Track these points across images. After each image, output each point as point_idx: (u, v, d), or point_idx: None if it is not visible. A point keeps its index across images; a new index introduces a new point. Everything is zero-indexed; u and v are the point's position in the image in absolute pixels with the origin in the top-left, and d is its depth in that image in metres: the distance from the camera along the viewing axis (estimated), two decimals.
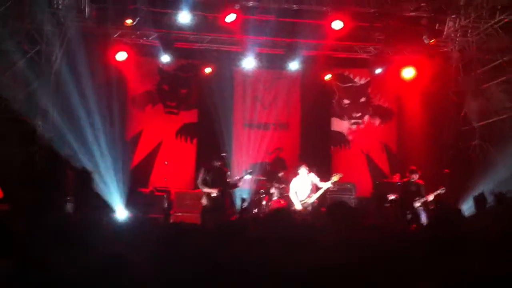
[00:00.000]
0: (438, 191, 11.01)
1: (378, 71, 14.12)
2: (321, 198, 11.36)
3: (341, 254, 3.02)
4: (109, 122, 12.84)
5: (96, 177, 11.93)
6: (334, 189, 11.43)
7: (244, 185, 12.31)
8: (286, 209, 9.89)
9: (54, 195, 10.13)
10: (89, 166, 11.82)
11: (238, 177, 11.65)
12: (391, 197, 12.14)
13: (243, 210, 10.24)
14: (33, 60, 11.94)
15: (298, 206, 11.17)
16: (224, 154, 11.50)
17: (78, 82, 12.54)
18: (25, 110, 11.94)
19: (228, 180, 11.20)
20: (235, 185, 11.50)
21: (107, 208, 11.54)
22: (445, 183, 11.46)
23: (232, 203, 11.70)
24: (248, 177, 11.90)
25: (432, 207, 11.08)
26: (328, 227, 4.80)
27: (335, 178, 11.15)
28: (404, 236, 5.03)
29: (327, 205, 6.34)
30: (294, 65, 13.89)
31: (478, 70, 13.01)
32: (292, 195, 11.34)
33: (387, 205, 12.23)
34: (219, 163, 11.01)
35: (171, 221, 11.57)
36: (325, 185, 11.12)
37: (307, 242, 4.08)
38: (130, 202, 12.21)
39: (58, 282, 2.39)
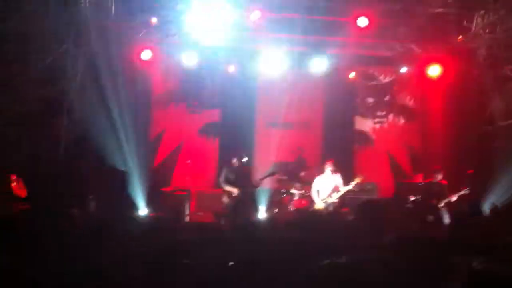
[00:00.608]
0: (462, 192, 10.88)
1: (403, 69, 13.93)
2: (342, 198, 11.33)
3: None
4: (133, 121, 12.99)
5: (127, 176, 12.19)
6: (356, 189, 11.34)
7: (266, 185, 12.34)
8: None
9: (76, 194, 10.36)
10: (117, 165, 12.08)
11: (261, 177, 11.70)
12: (413, 197, 12.01)
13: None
14: (59, 59, 12.12)
15: (319, 205, 11.17)
16: (245, 159, 11.48)
17: (103, 81, 12.73)
18: (51, 109, 12.19)
19: (250, 180, 11.26)
20: (257, 185, 11.54)
21: (132, 207, 11.77)
22: (468, 184, 11.27)
23: (254, 202, 11.72)
24: (270, 176, 11.93)
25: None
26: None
27: (356, 180, 11.12)
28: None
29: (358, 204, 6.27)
30: (318, 63, 13.76)
31: (505, 68, 12.70)
32: (313, 192, 11.36)
33: (409, 205, 12.10)
34: (242, 163, 11.07)
35: (191, 220, 11.70)
36: (347, 188, 11.13)
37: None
38: (152, 201, 12.37)
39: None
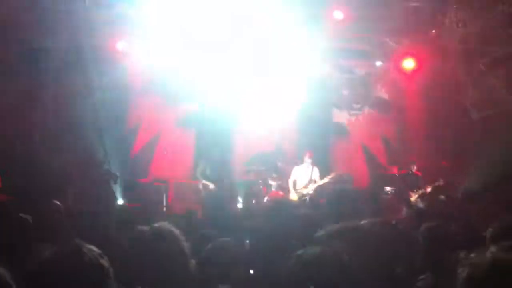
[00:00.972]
0: (436, 184, 11.07)
1: (379, 62, 14.10)
2: (319, 189, 11.45)
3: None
4: (110, 112, 12.89)
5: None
6: (331, 180, 11.46)
7: (244, 176, 12.41)
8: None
9: (54, 186, 10.26)
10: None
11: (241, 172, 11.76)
12: (388, 188, 12.20)
13: None
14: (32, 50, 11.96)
15: (293, 196, 11.26)
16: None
17: (78, 72, 12.59)
18: (27, 101, 12.04)
19: (227, 172, 11.30)
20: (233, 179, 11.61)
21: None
22: (443, 175, 11.50)
23: (230, 195, 11.77)
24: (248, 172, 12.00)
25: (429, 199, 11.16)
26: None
27: (332, 175, 11.27)
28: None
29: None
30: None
31: (479, 61, 12.94)
32: (290, 182, 11.44)
33: (384, 196, 12.29)
34: (221, 155, 11.13)
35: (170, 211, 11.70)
36: (322, 181, 11.26)
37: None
38: (129, 192, 12.35)
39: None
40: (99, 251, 2.42)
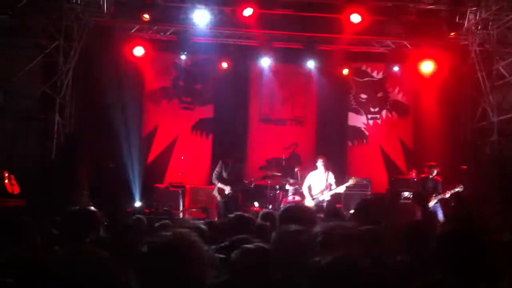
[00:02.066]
0: (456, 189, 10.88)
1: (396, 65, 13.99)
2: (336, 194, 11.34)
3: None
4: (126, 117, 12.96)
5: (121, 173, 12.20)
6: (350, 186, 11.34)
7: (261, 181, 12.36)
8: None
9: (69, 191, 10.31)
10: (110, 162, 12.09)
11: (254, 180, 11.69)
12: (406, 193, 12.04)
13: None
14: (51, 55, 12.07)
15: (309, 202, 11.16)
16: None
17: (96, 77, 12.71)
18: (42, 106, 12.15)
19: (243, 178, 11.25)
20: (249, 185, 11.55)
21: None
22: (461, 179, 11.30)
23: (246, 200, 11.71)
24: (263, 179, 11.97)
25: (452, 204, 10.99)
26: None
27: (350, 181, 11.14)
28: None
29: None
30: (311, 60, 13.78)
31: (498, 64, 12.77)
32: (304, 188, 11.35)
33: (402, 201, 12.15)
34: (237, 160, 11.09)
35: (185, 216, 11.68)
36: (339, 189, 11.14)
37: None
38: (146, 197, 12.38)
39: None
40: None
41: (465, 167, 12.30)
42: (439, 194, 11.00)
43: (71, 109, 12.67)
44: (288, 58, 14.03)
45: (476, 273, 2.84)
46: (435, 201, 10.98)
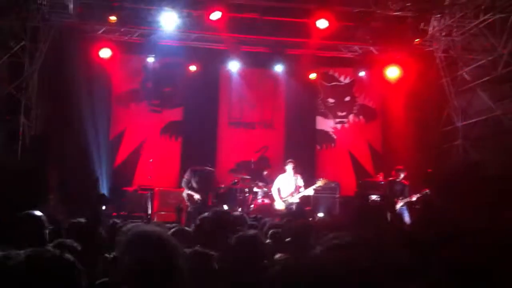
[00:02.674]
0: (423, 193, 11.06)
1: (363, 70, 14.21)
2: (305, 197, 11.41)
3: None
4: (93, 120, 12.79)
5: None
6: (319, 188, 11.43)
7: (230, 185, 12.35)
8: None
9: (36, 193, 10.08)
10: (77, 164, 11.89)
11: (224, 186, 11.69)
12: (374, 196, 12.21)
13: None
14: (17, 56, 11.83)
15: (279, 204, 11.20)
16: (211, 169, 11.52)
17: (62, 79, 12.50)
18: (8, 108, 11.87)
19: (213, 184, 11.22)
20: (219, 193, 11.55)
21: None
22: (428, 182, 11.51)
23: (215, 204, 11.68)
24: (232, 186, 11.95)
25: (417, 206, 11.16)
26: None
27: (319, 183, 11.22)
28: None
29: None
30: (279, 64, 13.87)
31: (462, 70, 13.09)
32: (274, 191, 11.37)
33: (370, 203, 12.29)
34: (207, 168, 11.07)
35: (154, 220, 11.57)
36: (308, 192, 11.21)
37: None
38: (114, 200, 12.21)
39: None
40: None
41: (431, 170, 12.54)
42: (406, 197, 11.19)
43: (37, 111, 12.42)
44: (257, 62, 14.10)
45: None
46: (402, 203, 11.16)
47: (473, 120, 12.92)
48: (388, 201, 11.40)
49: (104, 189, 12.27)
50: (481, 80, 12.54)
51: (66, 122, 12.43)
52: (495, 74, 11.93)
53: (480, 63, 12.51)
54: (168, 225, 5.77)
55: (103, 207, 11.16)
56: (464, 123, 13.10)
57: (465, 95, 13.40)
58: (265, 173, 12.55)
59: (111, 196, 12.30)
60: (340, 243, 3.07)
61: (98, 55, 13.07)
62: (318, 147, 14.67)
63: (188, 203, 11.04)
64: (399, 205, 11.19)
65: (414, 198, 11.12)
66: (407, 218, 10.96)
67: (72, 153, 12.06)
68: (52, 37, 12.42)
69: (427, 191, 11.04)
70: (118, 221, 6.39)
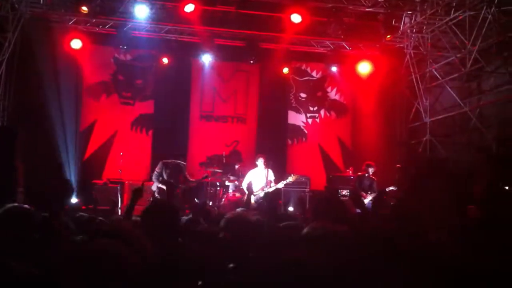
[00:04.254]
0: (390, 188, 11.23)
1: (335, 66, 14.30)
2: (276, 191, 11.47)
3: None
4: (63, 112, 12.63)
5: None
6: (289, 182, 11.50)
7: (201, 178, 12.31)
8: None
9: (4, 187, 9.94)
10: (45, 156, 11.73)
11: (195, 180, 11.63)
12: (344, 191, 12.33)
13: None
14: None
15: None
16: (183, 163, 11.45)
17: (31, 70, 12.31)
18: None
19: (184, 179, 11.15)
20: (190, 186, 11.47)
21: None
22: (396, 178, 11.70)
23: (188, 200, 11.64)
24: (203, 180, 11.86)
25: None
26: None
27: (290, 179, 11.28)
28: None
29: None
30: (252, 58, 13.86)
31: (431, 66, 13.29)
32: (244, 185, 11.41)
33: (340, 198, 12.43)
34: (178, 161, 11.01)
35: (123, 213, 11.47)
36: (279, 185, 11.26)
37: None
38: (83, 193, 12.09)
39: None
40: None
41: (399, 165, 12.72)
42: (374, 192, 11.34)
43: (4, 103, 12.23)
44: (230, 55, 14.08)
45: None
46: (370, 198, 11.31)
47: (441, 117, 13.14)
48: (357, 196, 11.51)
49: (72, 181, 12.12)
50: (450, 77, 12.77)
51: (35, 114, 12.24)
52: (463, 71, 12.16)
53: (449, 60, 12.74)
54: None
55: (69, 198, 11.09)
56: (432, 119, 13.32)
57: (433, 92, 13.64)
58: (237, 167, 12.58)
59: (80, 189, 12.18)
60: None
61: (68, 46, 12.87)
62: (290, 141, 14.73)
63: (158, 197, 10.96)
64: (367, 199, 11.32)
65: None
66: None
67: (40, 145, 11.89)
68: (21, 27, 12.23)
69: (394, 186, 11.22)
70: (84, 214, 6.34)
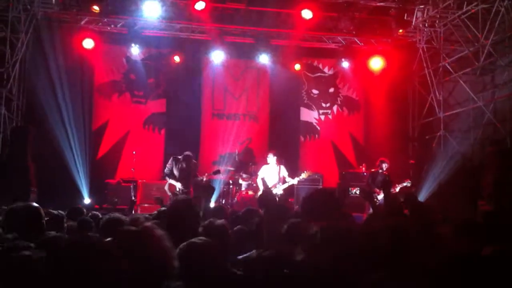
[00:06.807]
0: (404, 184, 11.14)
1: (346, 61, 14.20)
2: (288, 188, 11.43)
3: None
4: (75, 111, 12.69)
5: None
6: (302, 179, 11.45)
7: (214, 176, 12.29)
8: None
9: (17, 186, 10.05)
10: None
11: (206, 175, 11.58)
12: (356, 188, 12.26)
13: None
14: None
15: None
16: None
17: (44, 70, 12.38)
18: None
19: (195, 175, 11.11)
20: (201, 182, 11.44)
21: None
22: (410, 173, 11.61)
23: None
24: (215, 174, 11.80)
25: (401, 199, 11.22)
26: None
27: (303, 175, 11.24)
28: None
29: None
30: (263, 55, 13.81)
31: (444, 61, 13.16)
32: (258, 181, 11.38)
33: (352, 195, 12.39)
34: (190, 157, 10.96)
35: (138, 212, 11.51)
36: (292, 181, 11.21)
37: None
38: (96, 193, 12.15)
39: None
40: None
41: (413, 161, 12.63)
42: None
43: (18, 102, 12.32)
44: (241, 52, 14.04)
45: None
46: (383, 195, 11.21)
47: (455, 111, 13.02)
48: (370, 192, 11.45)
49: (84, 182, 12.20)
50: (463, 71, 12.64)
51: (48, 114, 12.29)
52: (477, 65, 12.03)
53: (462, 54, 12.61)
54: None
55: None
56: (446, 114, 13.19)
57: (447, 86, 13.51)
58: (249, 165, 12.55)
59: (92, 188, 12.24)
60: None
61: (80, 46, 12.94)
62: (302, 138, 14.67)
63: (169, 195, 10.93)
64: (380, 196, 11.23)
65: (396, 189, 11.18)
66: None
67: (52, 145, 11.96)
68: (33, 27, 12.31)
69: (409, 182, 11.13)
70: (97, 213, 6.37)
